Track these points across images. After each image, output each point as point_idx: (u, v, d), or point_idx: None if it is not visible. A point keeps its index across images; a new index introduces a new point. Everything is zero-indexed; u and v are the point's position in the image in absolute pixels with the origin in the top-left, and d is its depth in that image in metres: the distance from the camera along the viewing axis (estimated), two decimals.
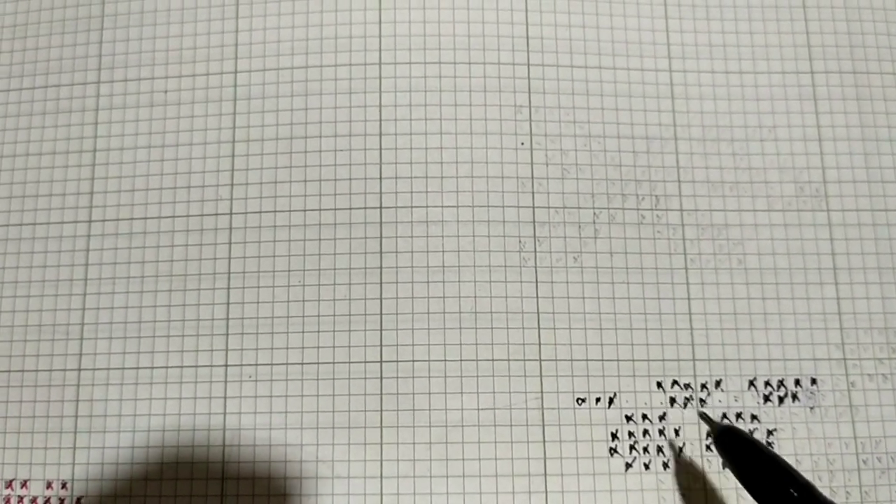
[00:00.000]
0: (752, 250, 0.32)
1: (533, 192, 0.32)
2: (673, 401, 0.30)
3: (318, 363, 0.31)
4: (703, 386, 0.31)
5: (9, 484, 0.30)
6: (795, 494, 0.23)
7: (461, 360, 0.30)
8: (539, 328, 0.31)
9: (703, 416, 0.29)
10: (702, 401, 0.30)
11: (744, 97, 0.33)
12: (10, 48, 0.35)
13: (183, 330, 0.31)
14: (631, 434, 0.30)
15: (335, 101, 0.33)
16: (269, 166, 0.32)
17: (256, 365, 0.31)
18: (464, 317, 0.31)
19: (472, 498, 0.29)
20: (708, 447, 0.30)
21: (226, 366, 0.31)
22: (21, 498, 0.30)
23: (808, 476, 0.30)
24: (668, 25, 0.34)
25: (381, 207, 0.32)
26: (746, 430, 0.30)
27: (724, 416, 0.30)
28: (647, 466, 0.30)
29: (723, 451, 0.26)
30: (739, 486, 0.29)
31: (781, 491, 0.23)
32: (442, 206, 0.32)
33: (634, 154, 0.33)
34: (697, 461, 0.30)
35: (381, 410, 0.30)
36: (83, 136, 0.34)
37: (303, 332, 0.31)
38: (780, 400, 0.31)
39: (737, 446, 0.25)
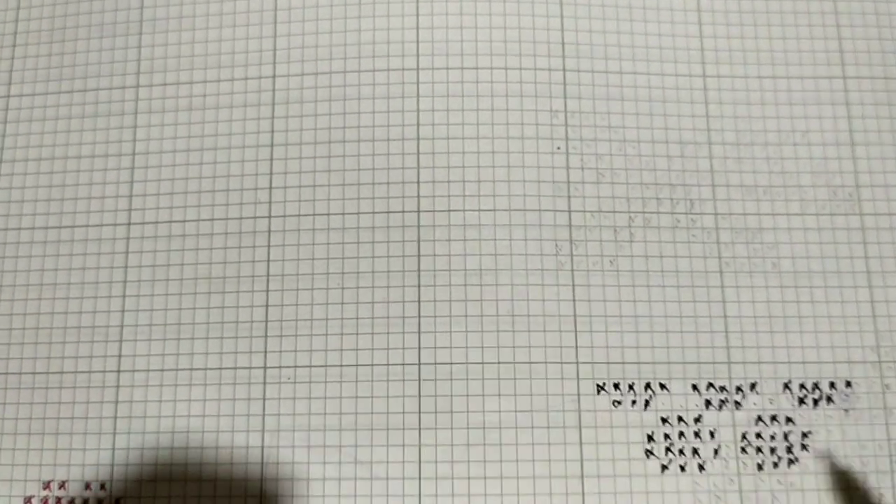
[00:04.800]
0: (786, 254, 0.32)
1: (569, 197, 0.32)
2: (708, 403, 0.31)
3: (356, 365, 0.31)
4: (739, 388, 0.31)
5: (47, 485, 0.31)
6: None
7: (499, 363, 0.31)
8: (576, 331, 0.31)
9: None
10: (737, 403, 0.31)
11: (777, 102, 0.34)
12: (50, 52, 0.35)
13: (222, 332, 0.32)
14: (667, 436, 0.30)
15: (373, 106, 0.33)
16: (308, 170, 0.33)
17: (295, 367, 0.31)
18: (501, 319, 0.31)
19: (509, 499, 0.30)
20: (743, 449, 0.30)
21: (265, 367, 0.31)
22: (59, 499, 0.31)
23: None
24: (701, 31, 0.34)
25: (418, 211, 0.32)
26: (781, 433, 0.30)
27: (759, 418, 0.31)
28: (682, 468, 0.30)
29: None
30: (774, 488, 0.30)
31: None
32: (479, 210, 0.32)
33: (669, 158, 0.33)
34: (733, 463, 0.30)
35: (420, 412, 0.30)
36: (122, 140, 0.34)
37: (341, 334, 0.31)
38: (815, 402, 0.31)
39: None
